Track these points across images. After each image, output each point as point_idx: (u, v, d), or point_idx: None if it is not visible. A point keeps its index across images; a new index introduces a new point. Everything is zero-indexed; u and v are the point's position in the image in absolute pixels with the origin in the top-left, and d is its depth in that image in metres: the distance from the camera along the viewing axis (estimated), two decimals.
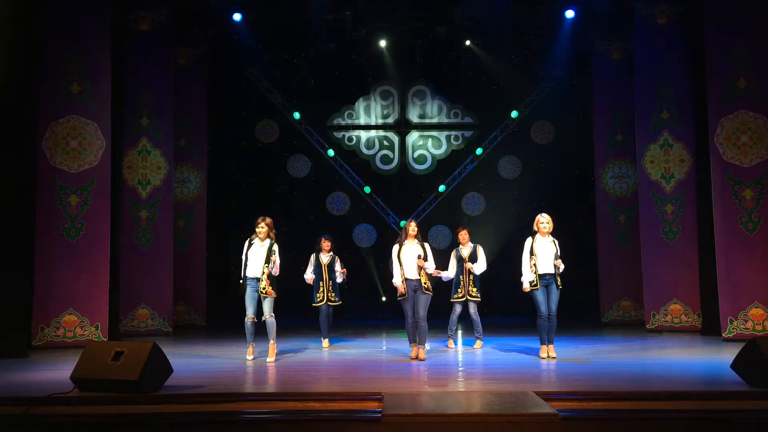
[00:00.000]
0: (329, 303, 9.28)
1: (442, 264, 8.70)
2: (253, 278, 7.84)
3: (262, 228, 7.89)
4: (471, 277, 8.93)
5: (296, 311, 11.57)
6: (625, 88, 12.27)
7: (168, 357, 5.96)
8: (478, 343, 9.01)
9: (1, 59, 8.55)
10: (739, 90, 9.55)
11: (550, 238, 7.81)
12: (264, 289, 7.77)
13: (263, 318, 7.86)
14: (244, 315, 7.86)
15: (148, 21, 11.55)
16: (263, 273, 7.78)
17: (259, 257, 7.84)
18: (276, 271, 7.85)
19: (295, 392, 5.83)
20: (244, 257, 7.91)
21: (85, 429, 4.96)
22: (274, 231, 7.98)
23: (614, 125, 12.89)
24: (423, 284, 7.74)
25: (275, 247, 7.91)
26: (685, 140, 11.16)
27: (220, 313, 13.17)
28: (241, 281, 7.91)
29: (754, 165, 9.47)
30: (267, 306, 7.83)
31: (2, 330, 8.30)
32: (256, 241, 7.92)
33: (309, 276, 9.32)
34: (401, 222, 14.55)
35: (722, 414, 5.02)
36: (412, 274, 7.77)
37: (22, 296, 8.82)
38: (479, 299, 8.98)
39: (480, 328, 9.02)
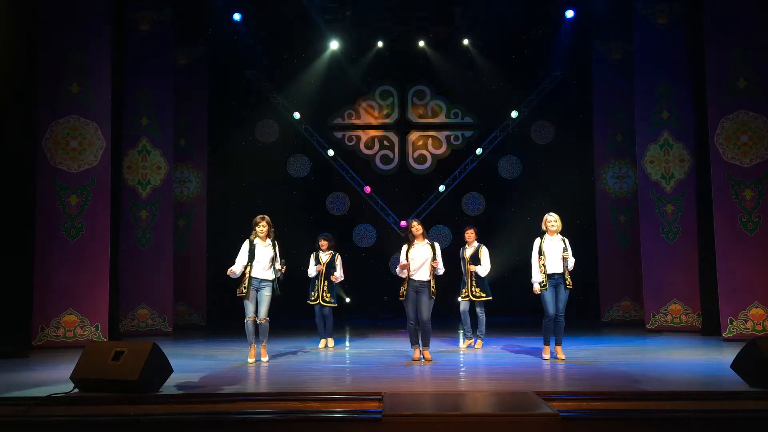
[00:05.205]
0: (323, 303, 9.18)
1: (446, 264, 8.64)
2: (259, 279, 7.64)
3: (263, 227, 7.72)
4: (474, 277, 8.94)
5: (296, 311, 11.55)
6: (625, 88, 12.27)
7: (168, 357, 5.95)
8: (479, 343, 9.03)
9: (1, 59, 8.55)
10: (739, 90, 9.54)
11: (559, 236, 7.67)
12: (277, 290, 7.72)
13: (259, 321, 7.66)
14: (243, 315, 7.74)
15: (148, 21, 11.55)
16: (277, 272, 7.70)
17: (266, 258, 7.67)
18: (283, 270, 7.81)
19: (295, 392, 5.82)
20: (246, 260, 7.63)
21: (85, 429, 4.95)
22: (273, 229, 7.83)
23: (614, 125, 12.89)
24: (431, 288, 7.59)
25: (277, 246, 7.81)
26: (685, 140, 11.16)
27: (220, 313, 13.18)
28: (243, 286, 7.61)
29: (754, 165, 9.47)
30: (265, 309, 7.65)
31: (2, 330, 8.29)
32: (257, 241, 7.72)
33: (312, 270, 9.19)
34: (401, 222, 14.55)
35: (722, 414, 5.01)
36: (420, 275, 7.62)
37: (22, 296, 8.83)
38: (486, 298, 8.93)
39: (483, 327, 9.01)
